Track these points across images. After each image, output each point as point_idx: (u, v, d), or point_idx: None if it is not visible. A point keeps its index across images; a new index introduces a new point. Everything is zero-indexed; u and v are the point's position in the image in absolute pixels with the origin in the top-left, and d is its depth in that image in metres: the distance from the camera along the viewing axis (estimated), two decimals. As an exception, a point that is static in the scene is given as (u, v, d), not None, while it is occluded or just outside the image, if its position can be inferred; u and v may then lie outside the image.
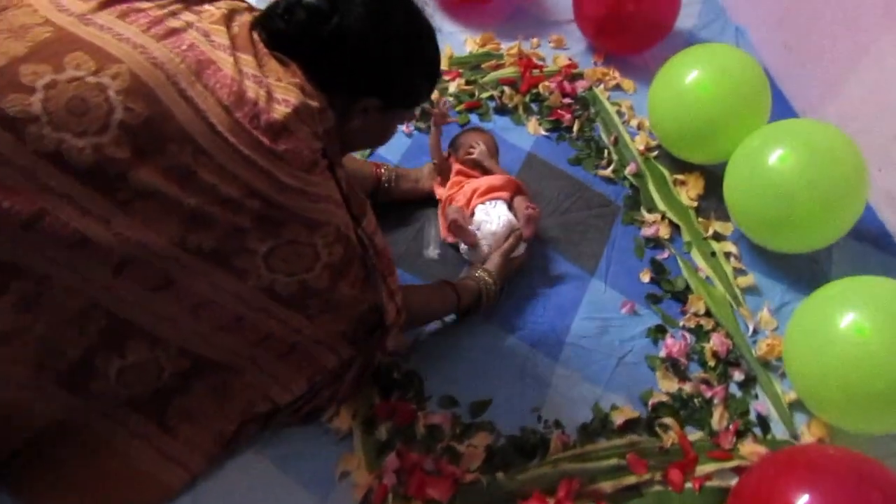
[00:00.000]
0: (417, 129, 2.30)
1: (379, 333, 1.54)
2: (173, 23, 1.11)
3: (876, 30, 2.24)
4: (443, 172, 2.10)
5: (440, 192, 2.08)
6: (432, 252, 2.02)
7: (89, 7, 1.08)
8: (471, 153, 2.08)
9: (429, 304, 1.75)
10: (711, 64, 2.17)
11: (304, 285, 1.25)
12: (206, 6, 1.18)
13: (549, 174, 2.20)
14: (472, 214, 1.97)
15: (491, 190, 2.00)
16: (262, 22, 1.20)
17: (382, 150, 2.19)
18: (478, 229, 1.94)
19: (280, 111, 1.10)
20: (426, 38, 1.31)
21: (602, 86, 2.53)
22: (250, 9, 1.27)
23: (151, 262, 1.11)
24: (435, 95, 2.16)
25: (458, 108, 2.37)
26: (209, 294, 1.19)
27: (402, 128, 2.28)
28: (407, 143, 2.27)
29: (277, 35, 1.18)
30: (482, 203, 1.97)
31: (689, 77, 2.16)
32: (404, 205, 2.10)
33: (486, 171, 2.08)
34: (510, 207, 1.99)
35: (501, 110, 2.33)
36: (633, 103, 2.48)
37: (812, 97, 2.52)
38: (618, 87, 2.50)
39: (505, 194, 2.01)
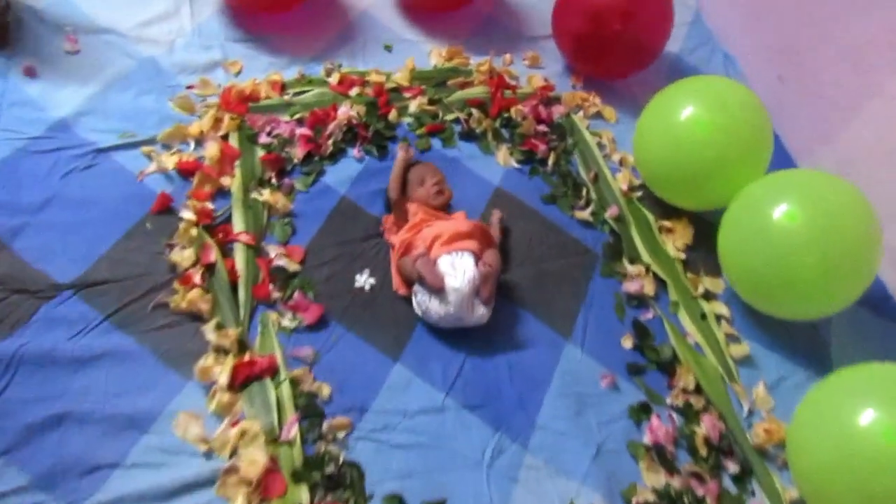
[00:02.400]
0: (368, 152, 1.97)
1: None
2: None
3: (887, 68, 1.99)
4: (398, 212, 1.77)
5: (394, 238, 1.75)
6: (365, 281, 1.72)
7: None
8: (435, 188, 1.80)
9: None
10: (710, 99, 1.91)
11: None
12: None
13: (520, 213, 1.96)
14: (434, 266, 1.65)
15: (457, 238, 1.71)
16: None
17: (331, 176, 1.91)
18: None
19: None
20: None
21: (581, 113, 2.27)
22: None
23: None
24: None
25: (418, 132, 2.07)
26: None
27: (353, 152, 1.97)
28: (357, 168, 1.96)
29: None
30: (447, 254, 1.66)
31: (683, 112, 1.89)
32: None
33: (444, 212, 1.79)
34: (478, 261, 1.67)
35: (468, 135, 2.10)
36: (614, 135, 2.23)
37: (807, 136, 2.28)
38: (598, 115, 2.28)
39: (473, 244, 1.71)
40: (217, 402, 1.47)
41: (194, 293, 1.59)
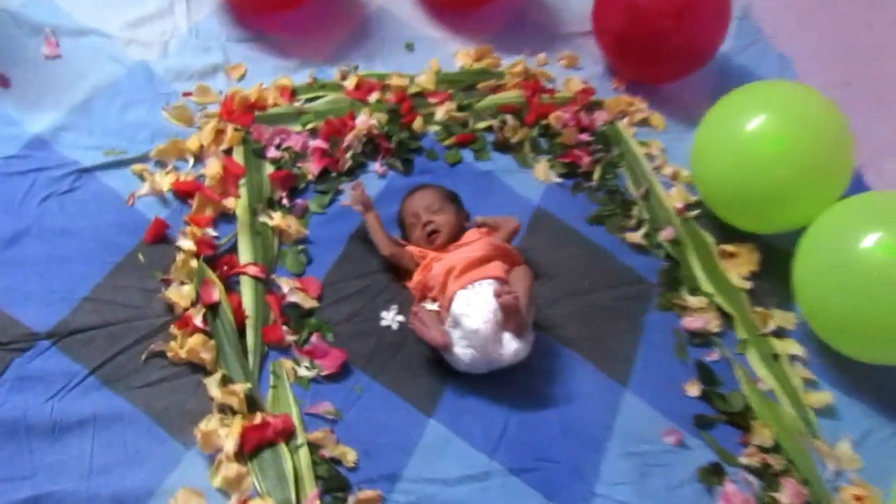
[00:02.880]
0: (391, 167, 1.76)
1: None
2: None
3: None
4: (403, 262, 1.57)
5: (412, 283, 1.55)
6: (392, 319, 1.52)
7: None
8: (425, 234, 1.58)
9: None
10: (782, 108, 1.69)
11: None
12: None
13: (563, 237, 1.76)
14: (450, 305, 1.44)
15: (471, 266, 1.48)
16: None
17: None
18: (455, 326, 1.42)
19: None
20: None
21: (626, 120, 2.02)
22: None
23: None
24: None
25: (446, 142, 1.84)
26: None
27: (375, 167, 1.75)
28: (380, 185, 1.75)
29: None
30: (462, 289, 1.44)
31: (750, 124, 1.66)
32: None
33: (453, 237, 1.58)
34: (502, 287, 1.45)
35: (502, 146, 1.89)
36: (664, 145, 2.00)
37: (874, 149, 2.04)
38: (645, 123, 2.04)
39: (493, 269, 1.48)
40: (223, 475, 1.26)
41: (195, 340, 1.38)
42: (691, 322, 1.67)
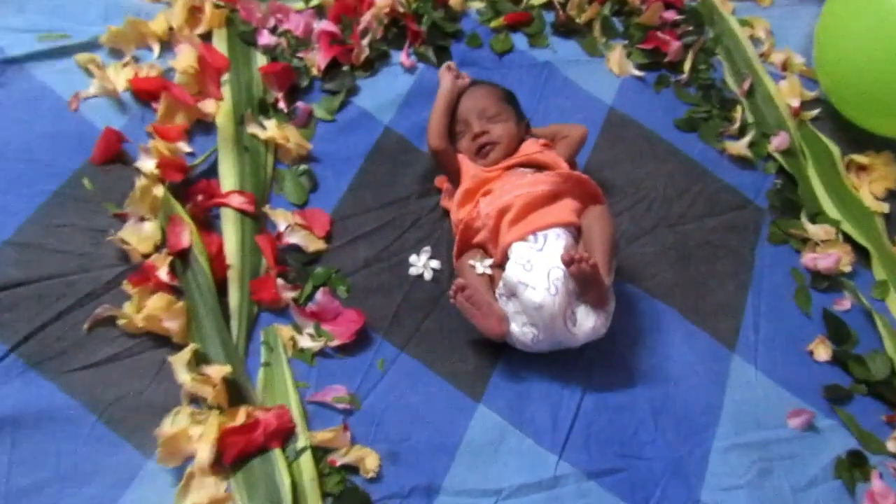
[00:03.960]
0: (421, 57, 1.45)
1: None
2: None
3: None
4: (449, 169, 1.24)
5: (452, 209, 1.22)
6: (424, 265, 1.21)
7: None
8: (475, 145, 1.23)
9: None
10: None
11: None
12: None
13: (645, 148, 1.45)
14: (504, 263, 1.10)
15: (534, 206, 1.13)
16: None
17: (367, 97, 1.40)
18: (511, 297, 1.08)
19: None
20: None
21: None
22: None
23: None
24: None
25: (493, 24, 1.53)
26: None
27: (401, 58, 1.45)
28: (408, 82, 1.43)
29: None
30: (522, 240, 1.10)
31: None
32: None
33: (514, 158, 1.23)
34: (575, 240, 1.12)
35: (565, 29, 1.58)
36: (771, 24, 1.66)
37: None
38: None
39: (564, 212, 1.13)
40: (195, 493, 0.94)
41: (157, 301, 1.07)
42: (814, 259, 1.36)
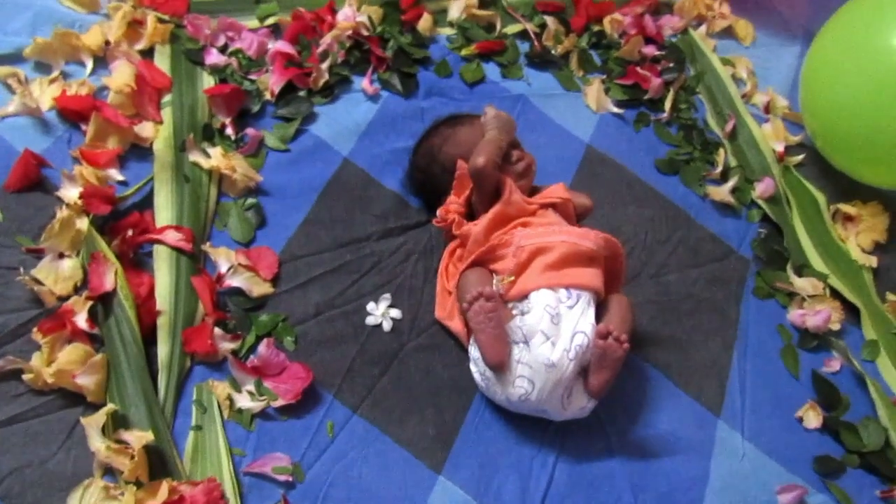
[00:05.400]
0: (386, 85, 1.36)
1: None
2: None
3: None
4: (485, 191, 1.12)
5: (471, 226, 1.11)
6: (383, 314, 1.10)
7: None
8: (521, 165, 1.14)
9: None
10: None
11: None
12: None
13: (625, 192, 1.36)
14: (516, 302, 1.02)
15: (574, 260, 1.04)
16: None
17: (325, 124, 1.30)
18: (521, 343, 0.97)
19: None
20: None
21: (703, 27, 1.64)
22: None
23: None
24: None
25: (463, 51, 1.45)
26: None
27: (364, 84, 1.35)
28: (370, 110, 1.33)
29: None
30: (550, 289, 1.00)
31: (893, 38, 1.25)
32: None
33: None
34: (599, 314, 1.02)
35: (540, 60, 1.50)
36: (753, 65, 1.59)
37: None
38: (728, 33, 1.67)
39: (595, 278, 1.04)
40: None
41: (71, 352, 0.93)
42: (802, 316, 1.27)
